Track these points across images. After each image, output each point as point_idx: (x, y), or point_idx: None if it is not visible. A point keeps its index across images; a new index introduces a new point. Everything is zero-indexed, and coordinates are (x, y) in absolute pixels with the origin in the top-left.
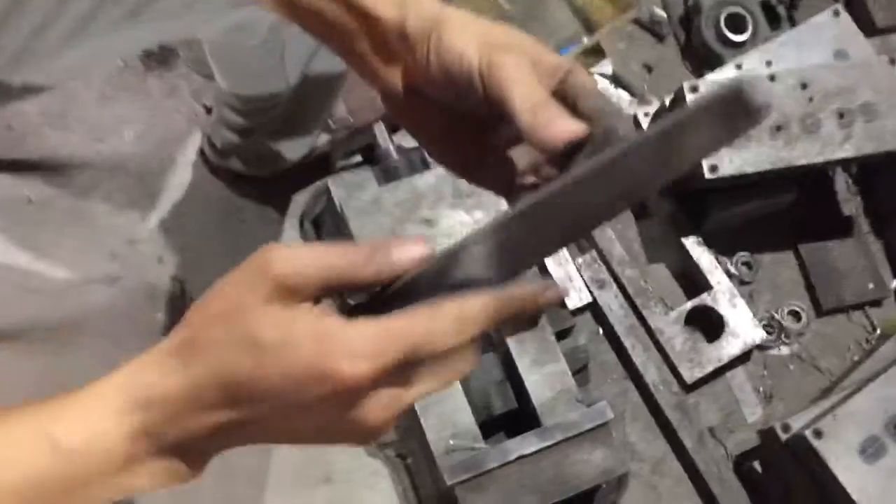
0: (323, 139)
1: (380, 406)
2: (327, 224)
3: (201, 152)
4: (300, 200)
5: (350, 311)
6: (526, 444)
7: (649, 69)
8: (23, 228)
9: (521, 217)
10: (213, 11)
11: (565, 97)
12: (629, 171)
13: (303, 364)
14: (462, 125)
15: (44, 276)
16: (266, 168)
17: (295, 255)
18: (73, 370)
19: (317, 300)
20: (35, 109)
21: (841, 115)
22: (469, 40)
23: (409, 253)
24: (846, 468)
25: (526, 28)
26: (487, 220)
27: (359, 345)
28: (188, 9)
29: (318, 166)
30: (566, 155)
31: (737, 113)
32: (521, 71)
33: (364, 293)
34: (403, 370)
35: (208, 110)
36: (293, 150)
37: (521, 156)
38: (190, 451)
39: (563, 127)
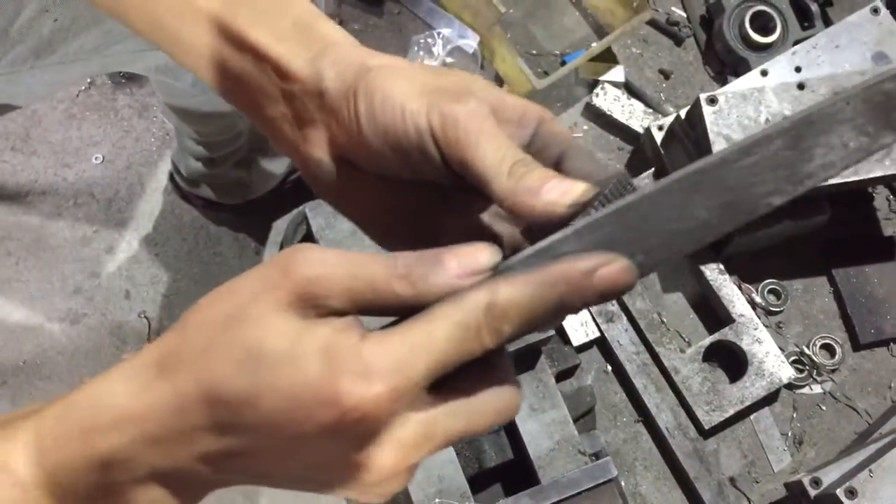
0: None
1: (399, 444)
2: None
3: (171, 178)
4: (280, 227)
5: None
6: None
7: (666, 76)
8: None
9: (616, 216)
10: (126, 53)
11: (541, 155)
12: (746, 176)
13: (306, 384)
14: (406, 197)
15: (3, 316)
16: (240, 195)
17: (324, 258)
18: None
19: (341, 315)
20: None
21: None
22: (409, 90)
23: (466, 265)
24: None
25: (529, 33)
26: (577, 220)
27: (375, 360)
28: (99, 51)
29: (301, 191)
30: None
31: (890, 107)
32: (484, 124)
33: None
34: (431, 397)
35: None
36: (264, 179)
37: (491, 221)
38: (180, 483)
39: (563, 188)
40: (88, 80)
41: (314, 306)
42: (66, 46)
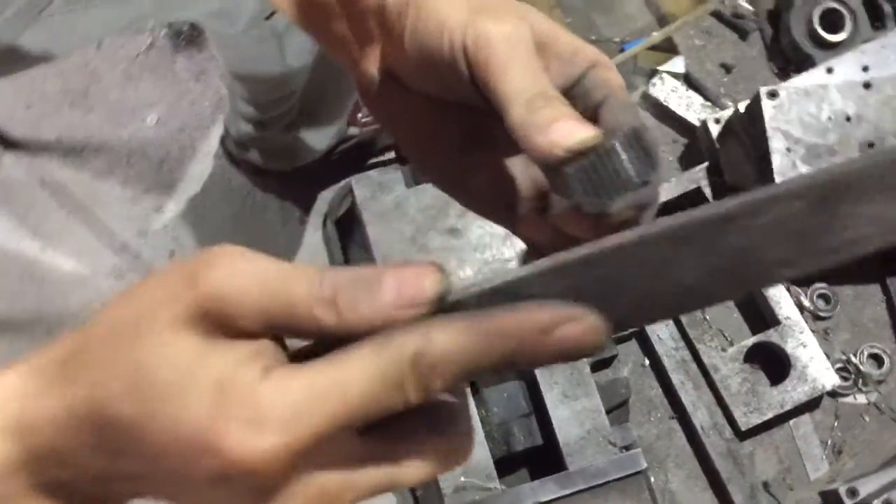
0: (352, 132)
1: (306, 500)
2: (352, 226)
3: (222, 142)
4: (326, 198)
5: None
6: (544, 490)
7: (728, 69)
8: (33, 213)
9: (587, 264)
10: None
11: (583, 99)
12: (752, 240)
13: (191, 424)
14: (449, 123)
15: (50, 267)
16: (288, 162)
17: (239, 270)
18: None
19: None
20: (56, 88)
21: None
22: (453, 7)
23: (405, 295)
24: None
25: (589, 18)
26: (542, 261)
27: (270, 407)
28: None
29: (349, 163)
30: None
31: None
32: (518, 49)
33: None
34: (346, 447)
35: None
36: (316, 140)
37: (520, 170)
38: (75, 497)
39: (568, 129)
40: (149, 41)
41: (221, 325)
42: None
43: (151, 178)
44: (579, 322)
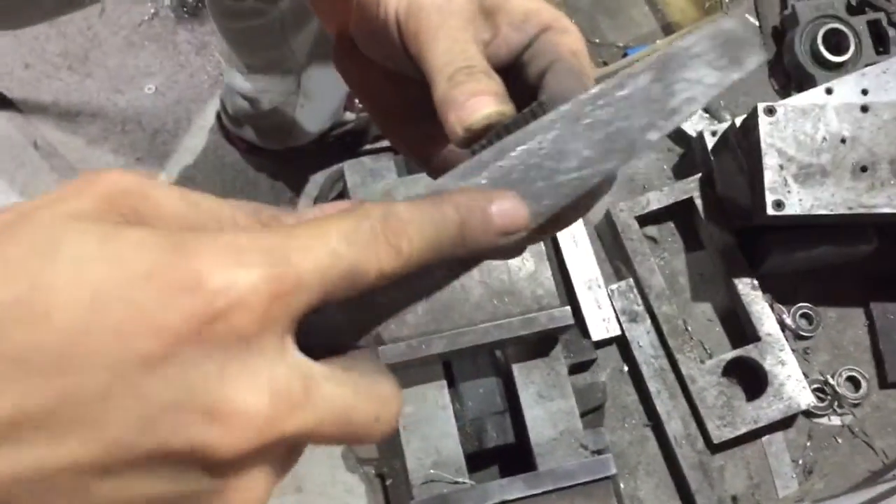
0: (349, 117)
1: (271, 384)
2: None
3: (218, 117)
4: (317, 181)
5: None
6: (512, 488)
7: None
8: (23, 173)
9: (499, 154)
10: None
11: (531, 66)
12: (622, 108)
13: (142, 271)
14: (405, 93)
15: None
16: (282, 142)
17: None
18: None
19: None
20: (57, 50)
21: None
22: None
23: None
24: None
25: (594, 21)
26: (462, 164)
27: (247, 242)
28: None
29: (343, 147)
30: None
31: (734, 45)
32: (449, 18)
33: None
34: (305, 355)
35: None
36: (312, 122)
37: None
38: None
39: (480, 105)
40: (152, 10)
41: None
42: None
43: (145, 148)
44: (508, 198)
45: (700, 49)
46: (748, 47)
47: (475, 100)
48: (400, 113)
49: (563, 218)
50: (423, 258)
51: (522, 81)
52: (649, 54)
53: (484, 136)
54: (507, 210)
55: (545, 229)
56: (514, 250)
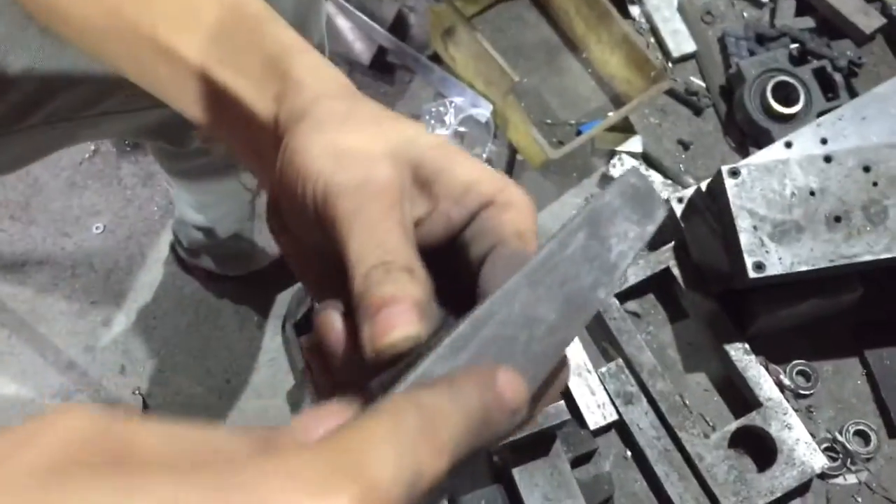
0: None
1: None
2: (312, 328)
3: (173, 248)
4: (283, 300)
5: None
6: None
7: (686, 146)
8: None
9: (474, 329)
10: (118, 115)
11: (471, 247)
12: (571, 268)
13: None
14: (337, 269)
15: None
16: (242, 267)
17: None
18: None
19: None
20: None
21: None
22: (316, 145)
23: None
24: None
25: (543, 101)
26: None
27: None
28: (88, 108)
29: None
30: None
31: (641, 199)
32: (365, 203)
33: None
34: None
35: None
36: (266, 250)
37: None
38: None
39: (393, 321)
40: (92, 148)
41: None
42: (53, 104)
43: (99, 290)
44: (509, 372)
45: (617, 204)
46: (651, 200)
47: (387, 312)
48: (330, 286)
49: (543, 397)
50: (460, 453)
51: (464, 260)
52: (604, 128)
53: (396, 360)
54: (512, 383)
55: (531, 410)
56: (512, 432)
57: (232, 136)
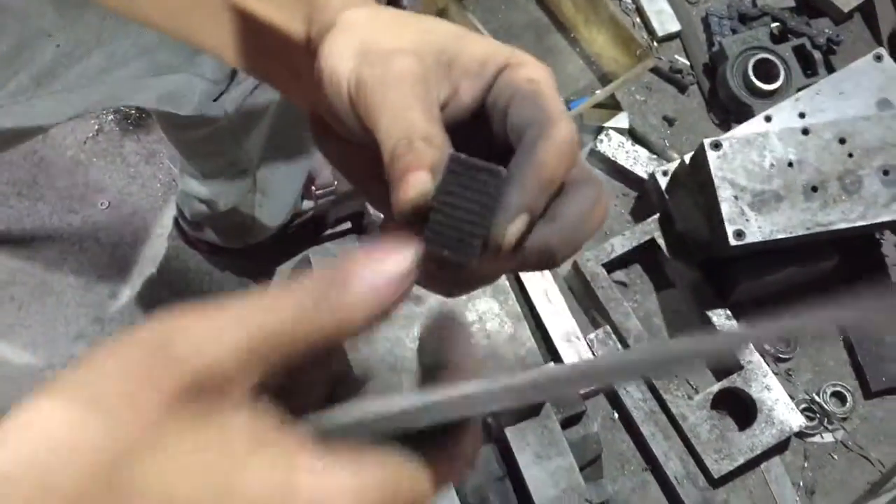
0: (307, 205)
1: None
2: None
3: (176, 223)
4: (284, 271)
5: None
6: None
7: (670, 122)
8: None
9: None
10: (130, 80)
11: (496, 108)
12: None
13: None
14: (375, 163)
15: (2, 361)
16: (244, 239)
17: (207, 328)
18: None
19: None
20: (3, 180)
21: (885, 173)
22: (345, 47)
23: (385, 273)
24: None
25: None
26: (414, 398)
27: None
28: (102, 77)
29: (305, 236)
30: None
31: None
32: (389, 90)
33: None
34: None
35: None
36: (272, 217)
37: None
38: None
39: (415, 182)
40: (96, 127)
41: (215, 394)
42: (68, 73)
43: (105, 264)
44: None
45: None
46: None
47: (408, 176)
48: (367, 179)
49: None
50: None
51: (495, 124)
52: (592, 105)
53: (421, 214)
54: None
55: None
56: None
57: (269, 66)
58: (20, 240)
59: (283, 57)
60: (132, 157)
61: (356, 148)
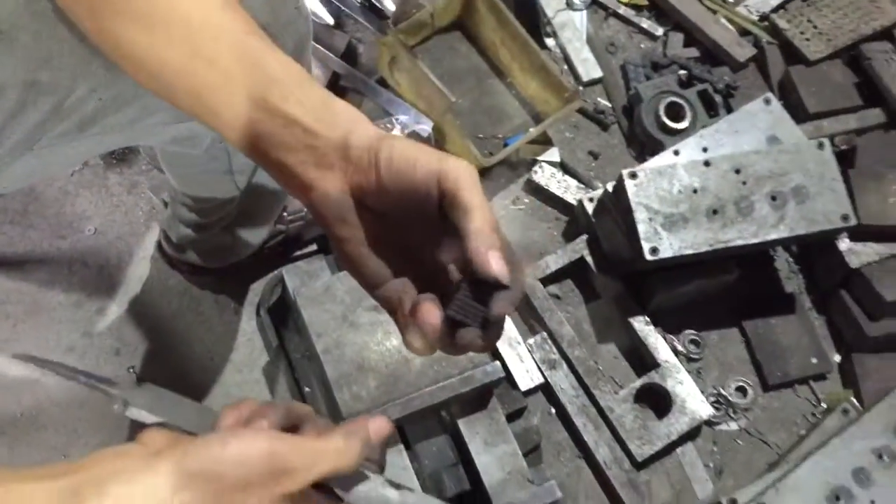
0: (279, 228)
1: None
2: (283, 313)
3: (159, 246)
4: (257, 289)
5: None
6: None
7: (595, 156)
8: None
9: None
10: (156, 125)
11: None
12: None
13: None
14: (399, 232)
15: (1, 372)
16: (223, 260)
17: (245, 451)
18: (28, 464)
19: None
20: None
21: (773, 198)
22: (419, 150)
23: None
24: None
25: (475, 119)
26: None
27: None
28: (133, 124)
29: (276, 256)
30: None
31: None
32: (474, 180)
33: None
34: None
35: (166, 204)
36: (252, 236)
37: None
38: None
39: (498, 265)
40: (82, 161)
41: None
42: (105, 120)
43: (92, 284)
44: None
45: None
46: None
47: (494, 256)
48: (378, 244)
49: None
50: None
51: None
52: (527, 141)
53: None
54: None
55: None
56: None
57: (282, 157)
58: (14, 263)
59: (303, 152)
60: (116, 187)
61: (375, 220)
